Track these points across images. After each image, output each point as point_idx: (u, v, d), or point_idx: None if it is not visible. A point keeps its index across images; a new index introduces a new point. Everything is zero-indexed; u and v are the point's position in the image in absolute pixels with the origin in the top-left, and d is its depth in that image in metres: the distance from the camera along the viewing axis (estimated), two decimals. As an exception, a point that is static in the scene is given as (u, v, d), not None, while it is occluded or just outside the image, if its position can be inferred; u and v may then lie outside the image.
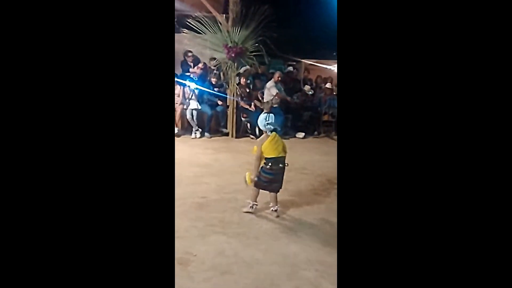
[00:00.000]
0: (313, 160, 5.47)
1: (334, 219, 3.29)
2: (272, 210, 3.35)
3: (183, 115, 6.96)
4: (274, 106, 6.96)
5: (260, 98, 7.20)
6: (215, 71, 7.11)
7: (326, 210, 3.55)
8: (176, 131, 6.68)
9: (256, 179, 3.31)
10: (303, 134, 7.41)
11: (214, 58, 7.20)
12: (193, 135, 6.86)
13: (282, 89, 7.62)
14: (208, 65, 7.51)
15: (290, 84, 8.28)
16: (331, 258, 2.60)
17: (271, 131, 3.28)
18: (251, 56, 6.89)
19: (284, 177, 3.36)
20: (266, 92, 7.38)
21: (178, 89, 6.83)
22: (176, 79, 6.66)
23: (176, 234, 2.78)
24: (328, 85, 8.05)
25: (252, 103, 7.18)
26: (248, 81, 7.42)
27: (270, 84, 7.39)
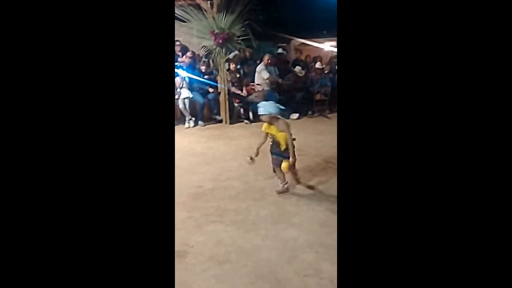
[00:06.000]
0: (309, 141, 5.42)
1: (332, 199, 3.28)
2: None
3: (175, 105, 6.87)
4: (267, 90, 6.96)
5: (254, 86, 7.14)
6: (204, 59, 7.01)
7: (324, 191, 3.53)
8: (169, 121, 6.61)
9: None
10: (297, 115, 7.34)
11: (205, 46, 7.08)
12: (186, 125, 6.80)
13: (275, 71, 7.52)
14: (198, 53, 7.39)
15: (281, 66, 8.16)
16: (331, 240, 2.58)
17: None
18: (239, 41, 6.79)
19: None
20: (257, 75, 7.29)
21: (167, 79, 6.73)
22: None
23: (173, 227, 2.77)
24: (317, 65, 7.93)
25: (244, 88, 7.09)
26: (238, 67, 7.31)
27: (260, 67, 7.29)
